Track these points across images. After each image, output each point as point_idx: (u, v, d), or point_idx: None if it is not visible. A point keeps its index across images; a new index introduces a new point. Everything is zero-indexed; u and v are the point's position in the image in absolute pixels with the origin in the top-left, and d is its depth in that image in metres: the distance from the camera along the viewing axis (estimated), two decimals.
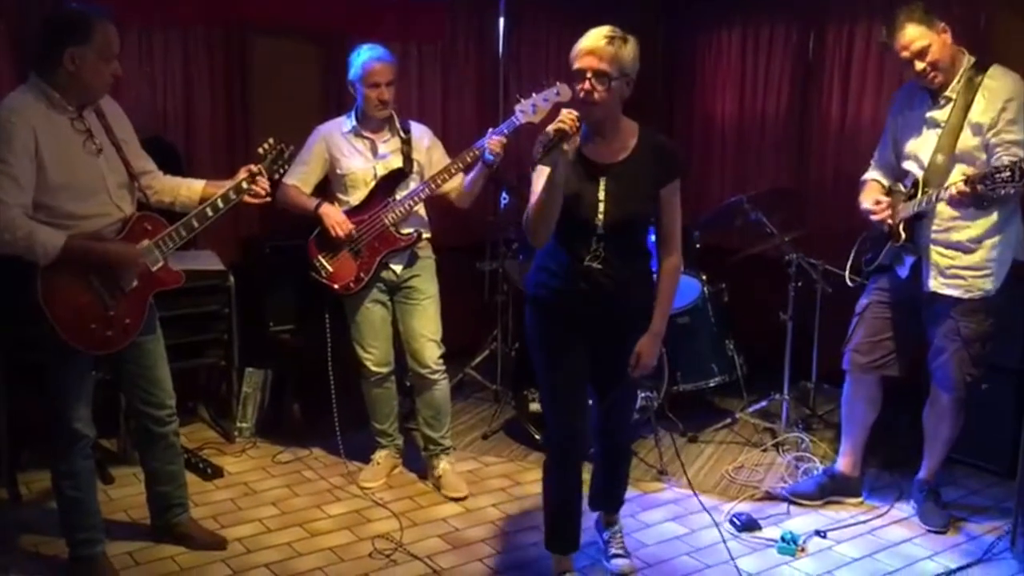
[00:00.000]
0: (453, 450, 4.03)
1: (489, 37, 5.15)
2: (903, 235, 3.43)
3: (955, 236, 3.34)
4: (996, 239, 3.33)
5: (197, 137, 4.43)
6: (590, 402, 3.05)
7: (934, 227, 3.37)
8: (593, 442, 3.17)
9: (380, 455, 4.01)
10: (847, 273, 3.76)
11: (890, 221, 3.46)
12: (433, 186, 3.72)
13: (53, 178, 2.79)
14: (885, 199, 3.50)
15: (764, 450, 4.28)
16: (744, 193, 4.43)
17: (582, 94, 2.65)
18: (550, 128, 2.59)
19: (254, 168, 3.14)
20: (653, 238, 2.93)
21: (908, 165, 3.49)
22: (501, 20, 5.07)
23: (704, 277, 4.50)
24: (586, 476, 3.14)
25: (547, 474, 3.06)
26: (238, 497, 3.80)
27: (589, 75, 2.63)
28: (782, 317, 4.33)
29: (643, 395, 4.00)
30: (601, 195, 2.73)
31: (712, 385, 4.49)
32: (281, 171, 3.28)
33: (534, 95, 3.64)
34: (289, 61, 4.66)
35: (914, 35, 3.26)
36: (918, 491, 3.70)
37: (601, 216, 2.73)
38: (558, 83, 3.62)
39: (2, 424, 3.76)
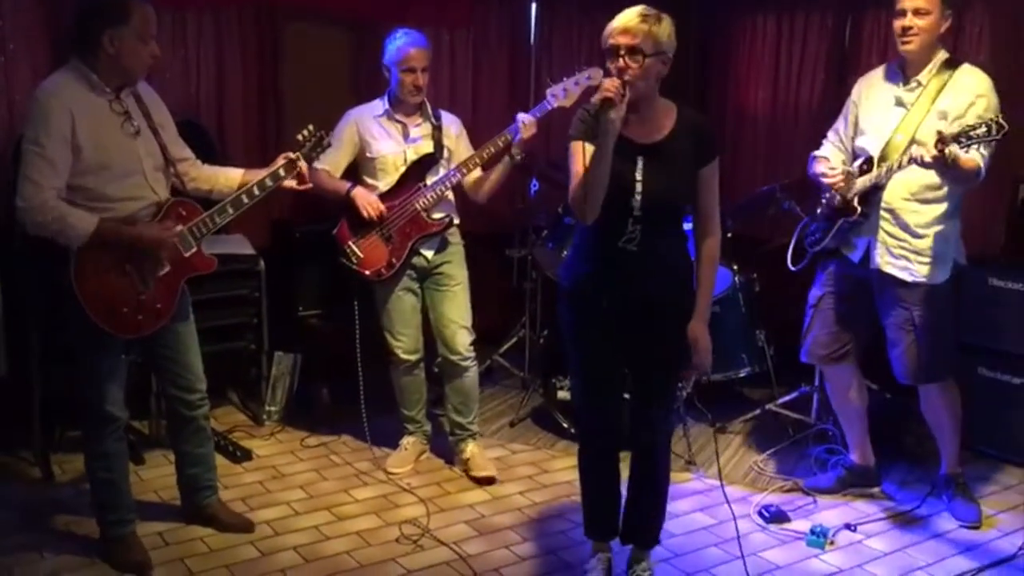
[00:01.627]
0: (480, 436, 4.04)
1: (520, 22, 5.11)
2: (858, 208, 3.39)
3: (904, 217, 3.34)
4: (940, 229, 3.32)
5: (229, 120, 4.45)
6: (626, 396, 3.01)
7: (884, 203, 3.36)
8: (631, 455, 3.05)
9: (408, 441, 4.02)
10: (789, 258, 3.74)
11: (842, 185, 3.41)
12: (464, 171, 3.71)
13: (90, 159, 2.81)
14: (839, 166, 3.47)
15: (793, 442, 4.24)
16: (777, 182, 4.37)
17: (616, 72, 2.61)
18: (595, 98, 2.56)
19: (292, 155, 3.14)
20: (688, 226, 2.90)
21: (863, 141, 3.46)
22: (533, 5, 5.04)
23: (735, 267, 4.46)
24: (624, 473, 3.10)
25: (582, 463, 3.04)
26: (267, 480, 3.82)
27: (623, 52, 2.60)
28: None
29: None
30: (639, 175, 2.69)
31: (742, 375, 4.46)
32: (319, 157, 3.29)
33: (565, 79, 3.62)
34: (320, 45, 4.66)
35: None
36: (945, 485, 3.66)
37: (639, 197, 2.69)
38: (589, 68, 3.59)
39: (36, 405, 3.81)
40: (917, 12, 3.26)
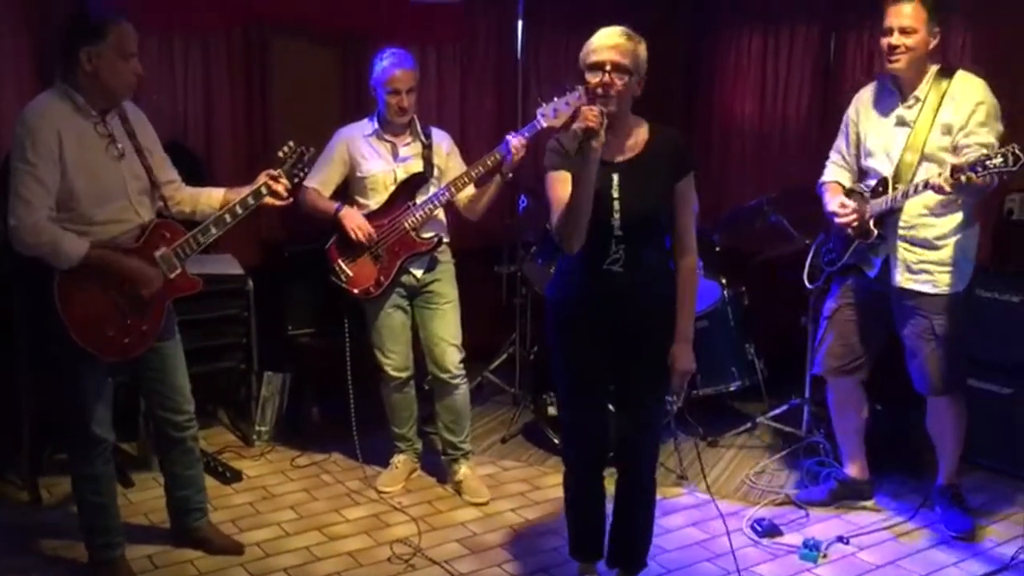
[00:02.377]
0: (472, 454, 4.02)
1: (507, 39, 5.13)
2: (875, 231, 3.40)
3: (922, 233, 3.35)
4: (959, 238, 3.35)
5: (218, 140, 4.44)
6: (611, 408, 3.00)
7: (901, 223, 3.37)
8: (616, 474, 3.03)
9: (398, 459, 4.01)
10: (805, 276, 3.75)
11: (856, 226, 3.43)
12: (453, 190, 3.72)
13: (74, 181, 2.80)
14: (851, 203, 3.48)
15: (785, 455, 4.24)
16: (764, 195, 4.39)
17: (600, 88, 2.61)
18: (576, 127, 2.56)
19: (273, 172, 3.14)
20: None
21: (872, 162, 3.48)
22: (520, 22, 5.06)
23: (724, 280, 4.47)
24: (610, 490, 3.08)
25: (567, 481, 3.02)
26: (257, 501, 3.80)
27: (608, 67, 2.61)
28: (802, 320, 4.29)
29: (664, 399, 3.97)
30: (615, 192, 2.68)
31: (732, 389, 4.47)
32: (301, 174, 3.27)
33: (555, 99, 3.63)
34: (308, 63, 4.66)
35: (909, 13, 3.27)
36: (940, 496, 3.66)
37: (617, 215, 2.68)
38: (579, 87, 3.60)
39: (24, 427, 3.77)
40: (904, 31, 3.27)
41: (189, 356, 3.27)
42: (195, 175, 3.57)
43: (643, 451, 2.92)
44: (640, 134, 2.76)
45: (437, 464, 4.04)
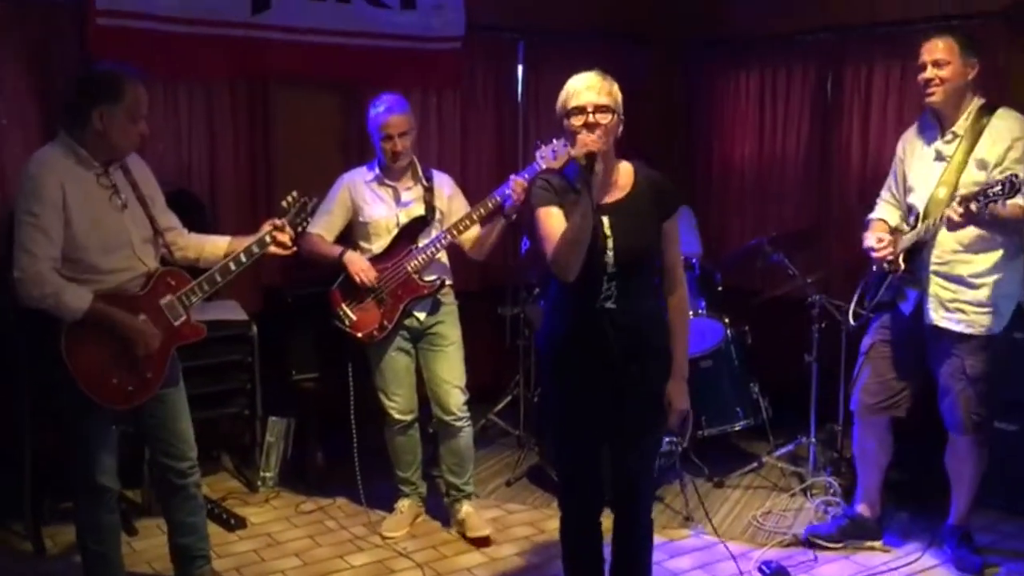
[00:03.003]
0: (476, 496, 4.01)
1: (507, 83, 5.19)
2: (902, 265, 3.41)
3: (957, 269, 3.33)
4: (999, 276, 3.32)
5: (221, 189, 4.48)
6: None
7: (935, 259, 3.36)
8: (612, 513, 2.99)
9: (403, 504, 3.99)
10: (851, 311, 3.74)
11: (891, 259, 3.45)
12: (455, 232, 3.74)
13: (79, 232, 2.83)
14: (888, 237, 3.49)
15: (792, 495, 4.21)
16: (765, 235, 4.41)
17: (583, 130, 2.63)
18: (576, 153, 2.59)
19: (277, 222, 3.16)
20: None
21: (913, 198, 3.49)
22: (520, 67, 5.13)
23: (727, 319, 4.47)
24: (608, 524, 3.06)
25: (564, 534, 2.99)
26: (261, 548, 3.78)
27: (591, 109, 2.65)
28: (807, 359, 4.29)
29: (667, 440, 3.96)
30: (608, 231, 2.70)
31: (737, 429, 4.45)
32: (304, 224, 3.30)
33: (554, 141, 3.66)
34: (310, 111, 4.72)
35: (942, 47, 3.31)
36: (950, 536, 3.63)
37: (611, 253, 2.69)
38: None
39: (27, 475, 3.77)
40: (936, 64, 3.30)
41: (193, 401, 3.26)
42: (199, 222, 3.60)
43: (640, 491, 2.90)
44: (625, 175, 2.79)
45: (442, 508, 4.02)
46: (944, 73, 3.30)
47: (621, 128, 2.74)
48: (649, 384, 2.80)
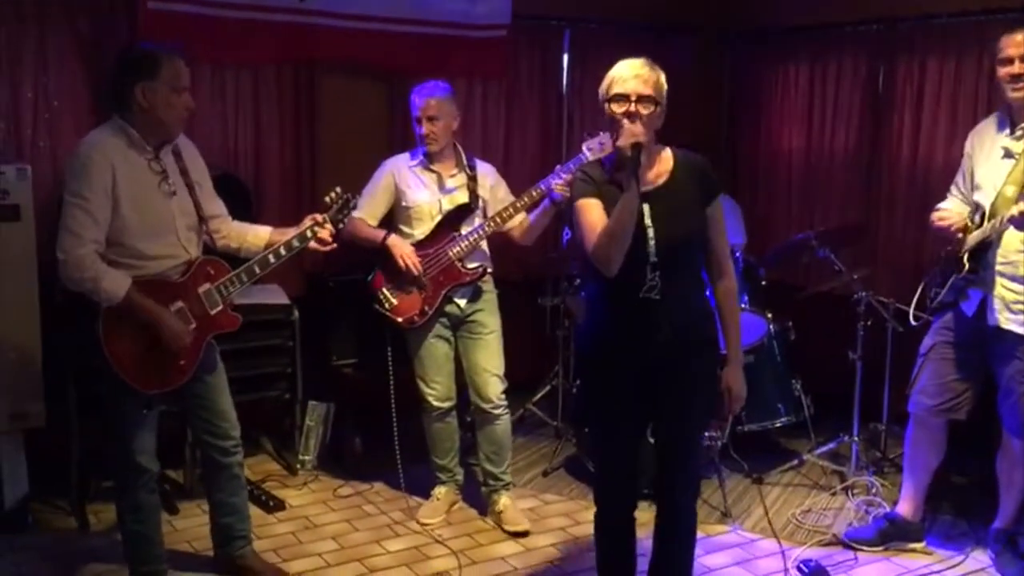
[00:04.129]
0: (513, 486, 4.01)
1: (553, 73, 5.17)
2: (966, 265, 3.33)
3: (1022, 270, 3.25)
4: None
5: (266, 174, 4.51)
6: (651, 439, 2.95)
7: (999, 259, 3.28)
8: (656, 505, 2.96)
9: (440, 491, 4.00)
10: (911, 310, 3.66)
11: (958, 226, 3.36)
12: (499, 220, 3.73)
13: (126, 216, 2.86)
14: (951, 207, 3.42)
15: (833, 493, 4.16)
16: (812, 229, 4.34)
17: (624, 118, 2.60)
18: (622, 144, 2.56)
19: (319, 217, 3.17)
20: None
21: (979, 196, 3.40)
22: (565, 56, 5.10)
23: (770, 315, 4.41)
24: (648, 517, 3.05)
25: (598, 529, 2.96)
26: (299, 531, 3.81)
27: (634, 98, 2.61)
28: (851, 357, 4.22)
29: (707, 434, 3.92)
30: (648, 221, 2.65)
31: (778, 425, 4.40)
32: (345, 221, 3.30)
33: (601, 133, 3.62)
34: (356, 99, 4.73)
35: None
36: (995, 540, 3.56)
37: (652, 242, 2.65)
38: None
39: (73, 454, 3.84)
40: None
41: (234, 384, 3.30)
42: (244, 208, 3.63)
43: (685, 487, 2.87)
44: (665, 162, 2.74)
45: (479, 496, 4.03)
46: None
47: (662, 120, 2.70)
48: (694, 377, 2.76)
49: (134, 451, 3.02)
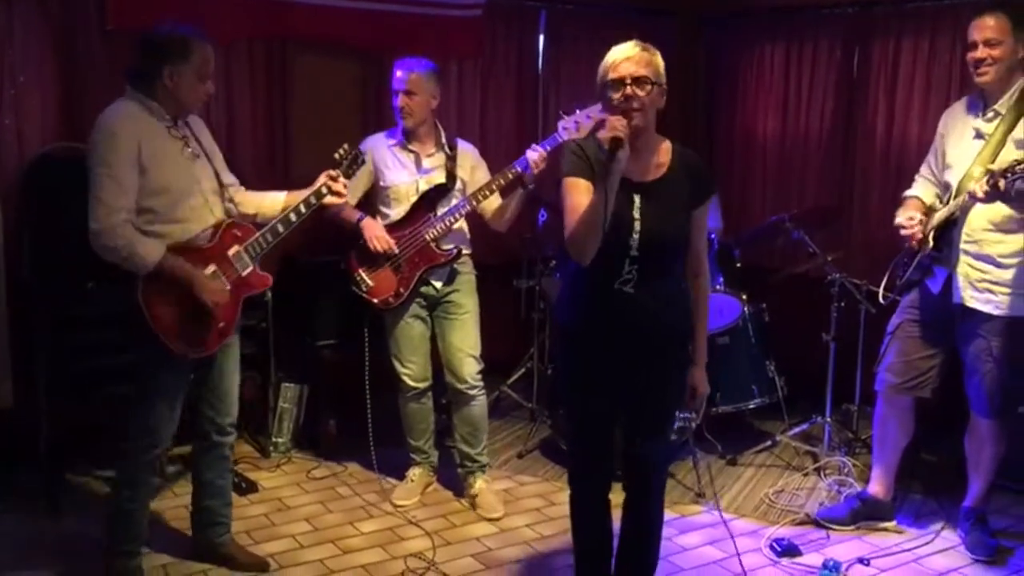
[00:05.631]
0: (489, 467, 4.00)
1: (528, 53, 5.14)
2: (931, 243, 3.36)
3: (987, 249, 3.28)
4: None
5: (239, 153, 4.43)
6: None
7: (964, 237, 3.31)
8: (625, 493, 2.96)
9: (414, 472, 3.99)
10: (881, 290, 3.68)
11: (919, 238, 3.40)
12: (474, 202, 3.71)
13: (154, 181, 2.88)
14: (919, 216, 3.44)
15: (805, 474, 4.19)
16: (786, 211, 4.36)
17: (623, 101, 2.56)
18: (603, 136, 2.51)
19: (332, 172, 3.22)
20: None
21: (949, 175, 3.43)
22: (541, 37, 5.07)
23: (744, 296, 4.42)
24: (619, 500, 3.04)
25: (573, 508, 2.96)
26: (272, 512, 3.79)
27: (629, 81, 2.56)
28: (824, 338, 4.25)
29: (681, 416, 3.92)
30: (636, 214, 2.62)
31: (752, 407, 4.42)
32: (355, 173, 3.35)
33: (577, 111, 3.60)
34: (329, 77, 4.67)
35: (993, 24, 3.24)
36: (964, 519, 3.61)
37: (636, 236, 2.61)
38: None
39: (42, 436, 3.78)
40: (988, 43, 3.23)
41: None
42: None
43: (653, 472, 2.87)
44: (663, 154, 2.70)
45: (453, 478, 4.02)
46: (996, 52, 3.22)
47: (664, 100, 2.65)
48: (665, 367, 2.75)
49: (153, 425, 3.02)
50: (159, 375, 3.01)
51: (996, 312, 3.28)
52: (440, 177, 3.79)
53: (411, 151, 3.80)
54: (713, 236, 4.46)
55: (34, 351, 3.69)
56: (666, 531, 3.43)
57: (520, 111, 5.22)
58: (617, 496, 2.92)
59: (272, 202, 3.24)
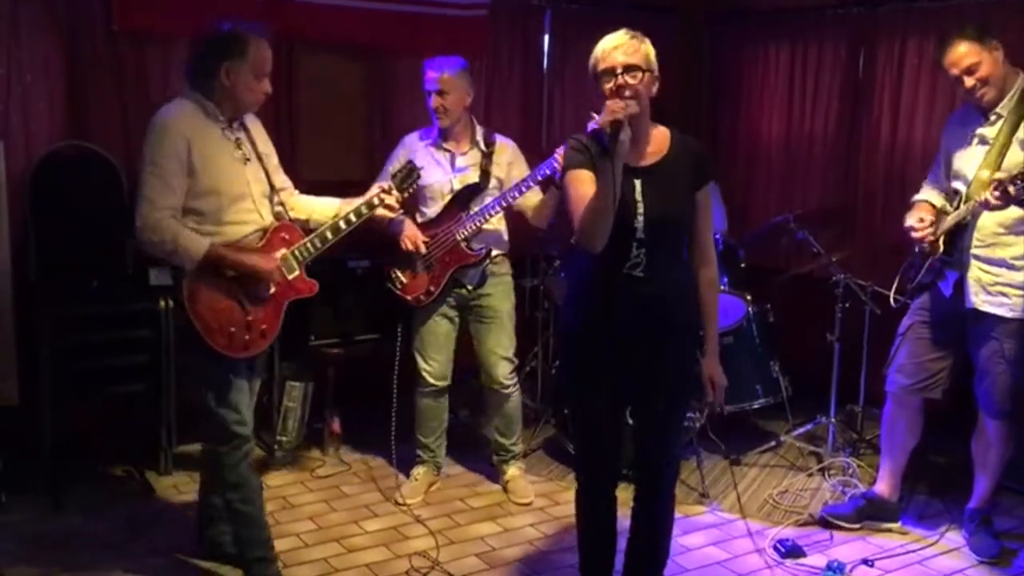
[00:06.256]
0: (522, 456, 4.12)
1: (533, 52, 5.14)
2: (941, 247, 3.36)
3: (999, 252, 3.28)
4: None
5: None
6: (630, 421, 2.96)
7: (976, 242, 3.31)
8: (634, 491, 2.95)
9: (419, 471, 4.00)
10: (892, 293, 3.68)
11: (930, 239, 3.40)
12: (503, 203, 3.71)
13: (204, 182, 2.85)
14: (929, 217, 3.43)
15: (809, 474, 4.19)
16: (791, 212, 4.36)
17: (616, 90, 2.57)
18: (602, 121, 2.51)
19: (385, 185, 3.22)
20: None
21: (956, 184, 3.43)
22: (546, 37, 5.07)
23: (749, 297, 4.42)
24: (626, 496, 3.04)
25: (579, 505, 2.96)
26: (276, 511, 3.79)
27: (619, 70, 2.57)
28: (829, 338, 4.24)
29: (687, 415, 3.93)
30: (638, 196, 2.63)
31: (756, 407, 4.41)
32: (411, 189, 3.34)
33: (598, 117, 3.57)
34: (335, 77, 4.68)
35: (964, 52, 3.23)
36: (969, 520, 3.60)
37: (640, 217, 2.62)
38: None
39: (47, 434, 3.79)
40: (970, 71, 3.23)
41: None
42: None
43: (663, 470, 2.86)
44: (661, 140, 2.71)
45: (457, 477, 4.04)
46: (982, 73, 3.22)
47: (656, 87, 2.66)
48: (673, 357, 2.75)
49: (228, 420, 2.95)
50: (211, 375, 2.94)
51: (1009, 315, 3.27)
52: (474, 176, 3.79)
53: (446, 150, 3.81)
54: (718, 236, 4.46)
55: (39, 349, 3.70)
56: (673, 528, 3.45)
57: (525, 111, 5.22)
58: (624, 493, 2.92)
59: (324, 208, 3.20)
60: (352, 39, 4.61)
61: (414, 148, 3.84)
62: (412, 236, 3.75)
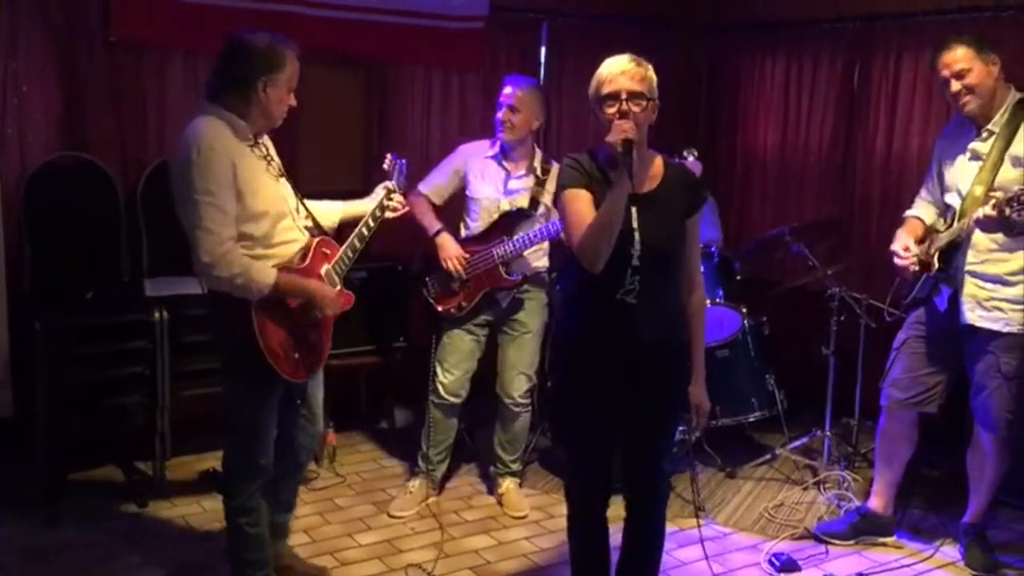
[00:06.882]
0: (520, 476, 4.10)
1: (530, 66, 5.14)
2: (936, 264, 3.36)
3: (992, 269, 3.28)
4: None
5: None
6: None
7: (970, 259, 3.31)
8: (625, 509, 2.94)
9: (414, 484, 3.99)
10: (886, 307, 3.68)
11: (914, 268, 3.40)
12: (545, 234, 3.69)
13: (251, 205, 2.72)
14: (915, 247, 3.43)
15: (805, 488, 4.19)
16: (786, 225, 4.36)
17: (618, 116, 2.57)
18: (613, 140, 2.52)
19: (390, 184, 3.18)
20: None
21: (949, 198, 3.44)
22: (543, 49, 5.08)
23: (744, 310, 4.42)
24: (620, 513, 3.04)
25: (571, 530, 2.95)
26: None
27: (624, 96, 2.58)
28: (824, 352, 4.25)
29: (680, 428, 3.93)
30: (635, 223, 2.63)
31: (751, 420, 4.41)
32: (404, 183, 3.31)
33: None
34: (332, 89, 4.68)
35: (957, 56, 3.24)
36: (964, 534, 3.60)
37: (637, 245, 2.62)
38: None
39: (42, 447, 3.78)
40: (959, 75, 3.24)
41: (205, 376, 3.25)
42: None
43: (656, 487, 2.87)
44: (657, 168, 2.72)
45: (452, 489, 4.03)
46: (970, 80, 3.23)
47: (656, 115, 2.66)
48: (666, 381, 2.75)
49: (259, 451, 2.89)
50: (259, 407, 2.85)
51: (1006, 329, 3.28)
52: (523, 201, 3.79)
53: (504, 168, 3.81)
54: (713, 248, 4.47)
55: (34, 360, 3.69)
56: (665, 545, 3.43)
57: None
58: (615, 510, 2.91)
59: (329, 212, 3.14)
60: (350, 51, 4.62)
61: (475, 156, 3.83)
62: (454, 256, 3.73)
